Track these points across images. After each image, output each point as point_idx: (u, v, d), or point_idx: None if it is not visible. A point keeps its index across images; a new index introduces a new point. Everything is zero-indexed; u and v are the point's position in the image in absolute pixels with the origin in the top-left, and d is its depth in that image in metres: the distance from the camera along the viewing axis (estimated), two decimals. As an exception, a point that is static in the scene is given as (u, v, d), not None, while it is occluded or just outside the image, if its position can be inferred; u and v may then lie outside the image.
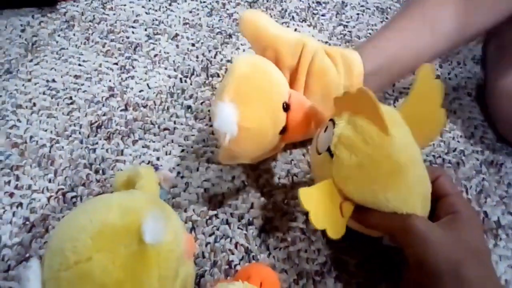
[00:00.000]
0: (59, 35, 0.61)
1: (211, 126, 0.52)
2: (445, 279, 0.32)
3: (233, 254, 0.43)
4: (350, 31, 0.66)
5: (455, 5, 0.49)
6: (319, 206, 0.34)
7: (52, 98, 0.53)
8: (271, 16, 0.66)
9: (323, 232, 0.35)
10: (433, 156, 0.52)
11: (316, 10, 0.68)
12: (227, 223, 0.45)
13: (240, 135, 0.37)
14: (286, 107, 0.41)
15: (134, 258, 0.30)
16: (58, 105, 0.53)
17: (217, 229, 0.44)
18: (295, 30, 0.65)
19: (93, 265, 0.29)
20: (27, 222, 0.43)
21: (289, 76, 0.46)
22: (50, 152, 0.48)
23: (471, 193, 0.49)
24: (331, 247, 0.44)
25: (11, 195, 0.44)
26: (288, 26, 0.65)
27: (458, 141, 0.54)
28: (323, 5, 0.69)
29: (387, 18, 0.69)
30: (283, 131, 0.41)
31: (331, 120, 0.38)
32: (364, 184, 0.35)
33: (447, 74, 0.62)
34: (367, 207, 0.36)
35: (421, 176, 0.36)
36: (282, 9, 0.68)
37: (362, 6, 0.70)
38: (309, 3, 0.69)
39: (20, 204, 0.44)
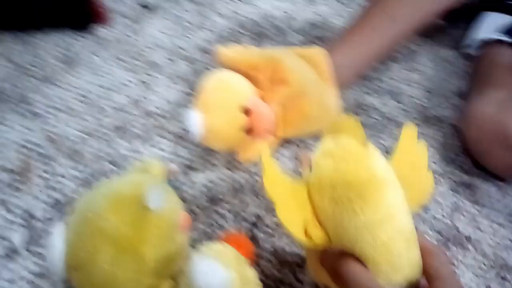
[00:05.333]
0: (93, 53, 0.71)
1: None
2: None
3: (227, 241, 0.50)
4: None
5: None
6: (290, 206, 0.34)
7: (85, 104, 0.63)
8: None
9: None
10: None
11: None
12: (224, 217, 0.52)
13: (207, 135, 0.51)
14: (247, 111, 0.51)
15: (138, 219, 0.37)
16: (89, 110, 0.62)
17: (216, 222, 0.52)
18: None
19: (107, 223, 0.37)
20: (58, 203, 0.51)
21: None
22: (80, 148, 0.57)
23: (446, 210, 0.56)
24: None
25: (47, 180, 0.53)
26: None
27: (439, 165, 0.61)
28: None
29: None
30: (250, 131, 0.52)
31: None
32: (340, 189, 0.33)
33: (433, 107, 0.70)
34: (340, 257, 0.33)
35: (404, 225, 0.33)
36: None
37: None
38: (312, 39, 0.79)
39: (53, 188, 0.52)
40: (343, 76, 0.59)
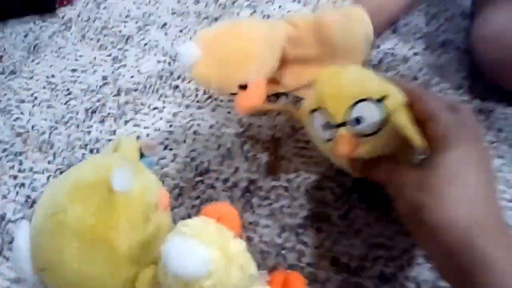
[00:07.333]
0: (57, 36, 0.65)
1: (197, 101, 0.55)
2: (409, 222, 0.32)
3: (218, 214, 0.45)
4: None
5: None
6: None
7: (51, 91, 0.57)
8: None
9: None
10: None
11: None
12: (212, 187, 0.47)
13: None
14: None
15: (104, 205, 0.32)
16: (57, 96, 0.57)
17: (203, 193, 0.46)
18: (279, 6, 0.66)
19: (69, 215, 0.32)
20: (29, 200, 0.47)
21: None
22: (49, 138, 0.52)
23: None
24: (314, 202, 0.45)
25: (15, 177, 0.49)
26: (273, 3, 0.67)
27: (446, 93, 0.54)
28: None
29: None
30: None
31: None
32: None
33: (435, 31, 0.62)
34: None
35: None
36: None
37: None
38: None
39: (23, 185, 0.48)
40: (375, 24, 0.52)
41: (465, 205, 0.28)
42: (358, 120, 0.34)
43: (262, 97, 0.46)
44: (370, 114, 0.34)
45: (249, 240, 0.43)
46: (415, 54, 0.59)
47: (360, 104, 0.34)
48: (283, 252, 0.43)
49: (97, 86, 0.58)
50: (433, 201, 0.29)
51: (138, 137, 0.50)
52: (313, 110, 0.38)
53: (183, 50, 0.43)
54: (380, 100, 0.34)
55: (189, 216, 0.44)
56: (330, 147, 0.36)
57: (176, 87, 0.57)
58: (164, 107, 0.55)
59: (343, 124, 0.34)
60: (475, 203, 0.28)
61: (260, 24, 0.45)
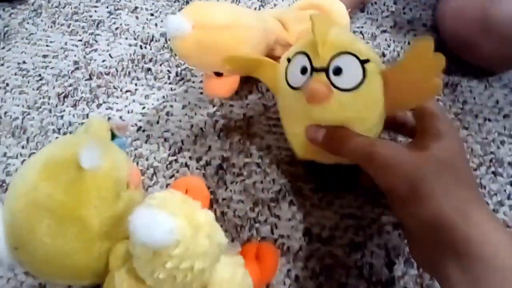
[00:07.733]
0: (28, 23, 0.64)
1: (170, 83, 0.55)
2: (405, 200, 0.31)
3: (191, 191, 0.45)
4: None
5: None
6: None
7: (23, 77, 0.57)
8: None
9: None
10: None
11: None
12: (186, 165, 0.48)
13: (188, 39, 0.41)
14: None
15: (74, 183, 0.33)
16: (28, 82, 0.56)
17: (177, 172, 0.47)
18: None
19: (39, 193, 0.33)
20: (3, 184, 0.47)
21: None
22: (22, 123, 0.52)
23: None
24: (286, 176, 0.46)
25: (-12, 163, 0.49)
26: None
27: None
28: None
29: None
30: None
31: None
32: None
33: (402, 9, 0.63)
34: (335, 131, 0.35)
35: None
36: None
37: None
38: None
39: (-4, 170, 0.48)
40: None
41: (460, 180, 0.30)
42: (338, 71, 0.33)
43: (233, 88, 0.46)
44: (351, 69, 0.33)
45: (223, 215, 0.44)
46: (383, 31, 0.60)
47: (345, 56, 0.33)
48: (256, 225, 0.44)
49: (68, 71, 0.57)
50: (432, 175, 0.30)
51: (109, 119, 0.50)
52: (296, 54, 0.36)
53: (172, 22, 0.40)
54: (364, 61, 0.34)
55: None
56: (299, 97, 0.35)
57: (148, 69, 0.57)
58: (136, 89, 0.55)
59: (322, 70, 0.34)
60: (467, 181, 0.31)
61: (257, 27, 0.43)
